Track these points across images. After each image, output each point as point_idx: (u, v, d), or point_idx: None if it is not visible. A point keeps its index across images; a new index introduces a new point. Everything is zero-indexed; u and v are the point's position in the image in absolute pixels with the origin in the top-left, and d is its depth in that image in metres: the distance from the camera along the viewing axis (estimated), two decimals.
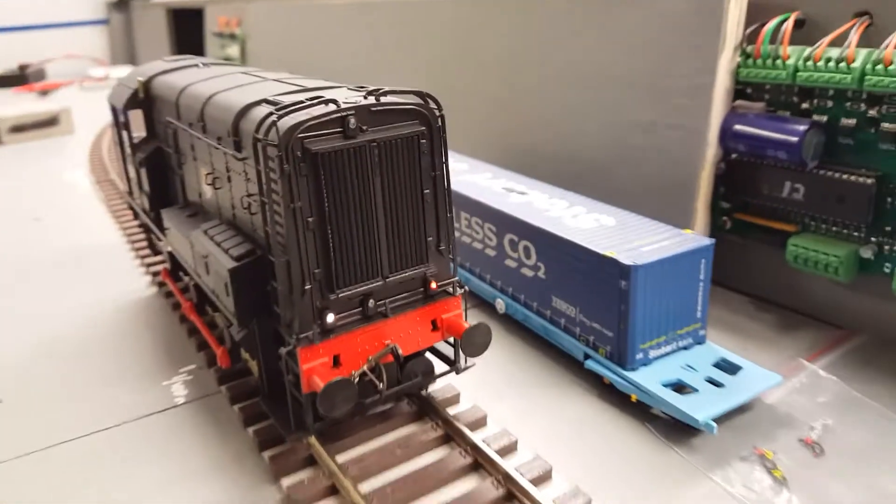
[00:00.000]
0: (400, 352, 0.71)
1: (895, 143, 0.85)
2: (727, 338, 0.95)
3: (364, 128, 0.65)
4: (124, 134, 1.10)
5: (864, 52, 0.83)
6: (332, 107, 0.63)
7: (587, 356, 0.86)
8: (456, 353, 0.77)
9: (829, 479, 0.70)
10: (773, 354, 0.91)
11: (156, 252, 1.26)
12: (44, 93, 3.61)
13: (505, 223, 0.95)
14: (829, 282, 0.95)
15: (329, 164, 0.63)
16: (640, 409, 0.81)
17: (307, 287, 0.65)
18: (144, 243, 1.37)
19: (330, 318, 0.67)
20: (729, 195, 1.02)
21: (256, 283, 0.71)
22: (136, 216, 1.29)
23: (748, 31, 0.95)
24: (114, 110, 1.14)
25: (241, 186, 0.74)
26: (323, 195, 0.63)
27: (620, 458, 0.75)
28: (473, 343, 0.72)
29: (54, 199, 1.80)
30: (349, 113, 0.64)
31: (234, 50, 2.97)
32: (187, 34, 3.62)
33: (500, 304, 1.00)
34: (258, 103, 0.71)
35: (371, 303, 0.69)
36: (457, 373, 0.77)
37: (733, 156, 0.99)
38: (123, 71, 4.13)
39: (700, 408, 0.75)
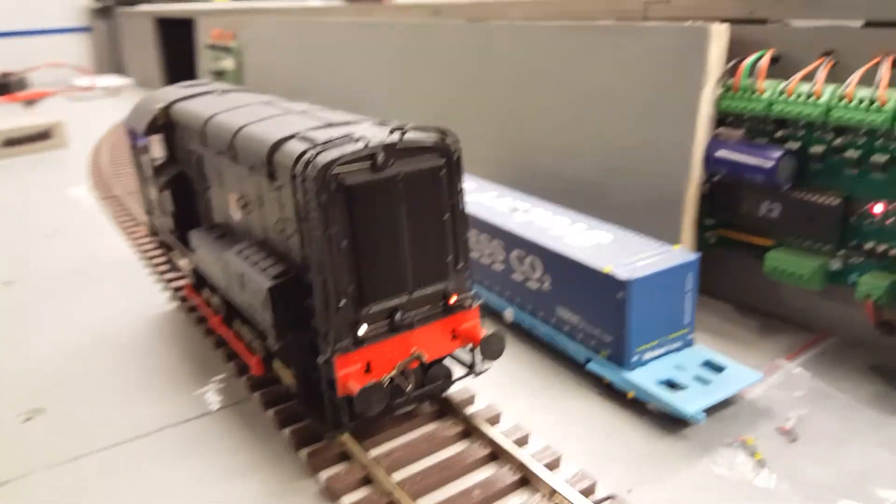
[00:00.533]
0: (424, 358, 0.80)
1: (858, 168, 0.96)
2: (714, 341, 1.05)
3: (391, 162, 0.74)
4: (144, 157, 1.17)
5: (830, 88, 0.94)
6: (362, 144, 0.73)
7: (588, 359, 0.96)
8: (473, 359, 0.86)
9: (802, 461, 0.80)
10: (754, 355, 1.02)
11: (176, 269, 1.34)
12: (28, 103, 3.58)
13: (512, 240, 1.05)
14: (803, 290, 1.06)
15: (360, 195, 0.72)
16: (636, 405, 0.91)
17: (342, 303, 0.74)
18: (160, 260, 1.45)
19: (362, 329, 0.76)
20: (713, 213, 1.13)
21: (291, 299, 0.79)
22: (154, 234, 1.37)
23: (729, 65, 1.05)
24: (132, 134, 1.21)
25: (275, 212, 0.83)
26: (355, 222, 0.73)
27: (621, 447, 0.85)
28: (490, 349, 0.82)
29: (61, 216, 1.85)
30: (377, 150, 0.73)
31: (228, 63, 3.04)
32: (177, 45, 3.65)
33: (509, 314, 1.09)
34: (291, 138, 0.80)
35: (398, 315, 0.78)
36: (475, 376, 0.87)
37: (716, 177, 1.09)
38: (110, 80, 4.16)
39: (689, 402, 0.85)
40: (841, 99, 0.92)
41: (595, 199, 1.22)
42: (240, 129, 0.89)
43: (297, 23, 2.42)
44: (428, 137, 0.77)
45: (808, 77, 0.97)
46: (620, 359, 0.92)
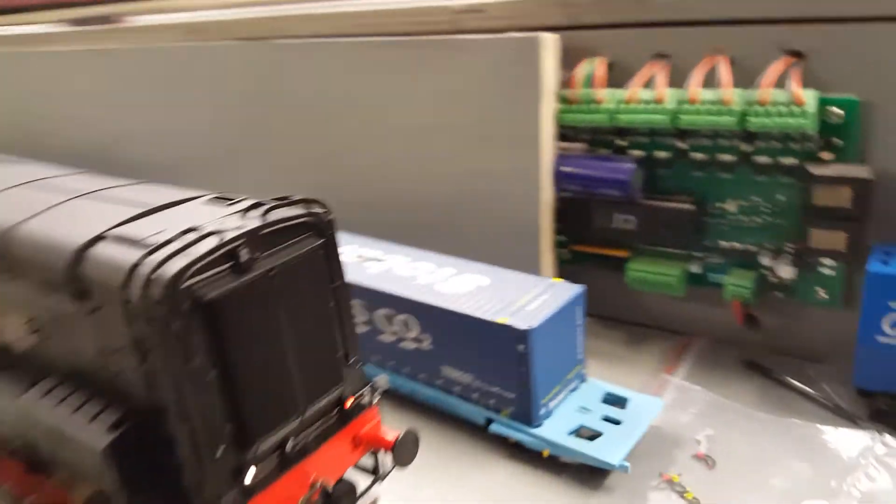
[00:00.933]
0: (329, 487, 0.64)
1: (704, 170, 0.96)
2: (590, 362, 1.00)
3: (257, 256, 0.57)
4: None
5: (672, 92, 0.92)
6: (215, 239, 0.54)
7: (490, 420, 0.86)
8: (376, 462, 0.71)
9: (729, 490, 0.77)
10: (634, 371, 0.99)
11: None
12: None
13: (376, 298, 0.91)
14: (664, 296, 1.05)
15: (225, 309, 0.54)
16: (550, 462, 0.83)
17: (219, 452, 0.56)
18: None
19: (249, 476, 0.58)
20: (565, 229, 1.08)
21: (140, 452, 0.59)
22: None
23: (564, 77, 1.00)
24: None
25: (91, 340, 0.60)
26: (223, 345, 0.54)
27: None
28: (406, 452, 0.68)
29: None
30: (238, 243, 0.55)
31: None
32: None
33: (383, 381, 0.95)
34: (101, 238, 0.59)
35: (290, 444, 0.61)
36: (381, 481, 0.72)
37: (564, 193, 1.04)
38: None
39: (610, 451, 0.78)
40: (685, 103, 0.91)
41: (449, 232, 1.11)
42: (9, 229, 0.64)
43: (18, 54, 2.00)
44: (295, 212, 0.60)
45: (646, 83, 0.95)
46: (527, 415, 0.82)
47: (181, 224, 0.56)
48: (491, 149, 1.06)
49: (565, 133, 1.03)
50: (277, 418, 0.59)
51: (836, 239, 0.85)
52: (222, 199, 0.62)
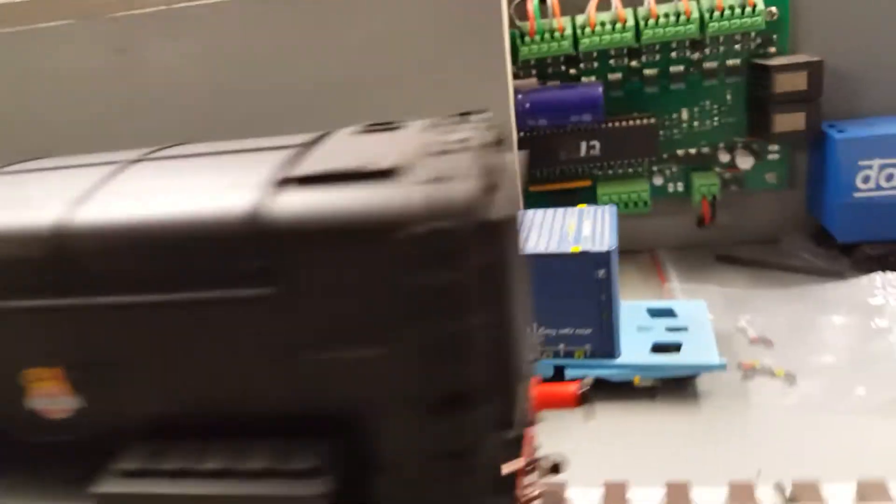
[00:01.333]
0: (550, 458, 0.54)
1: (657, 84, 0.99)
2: None
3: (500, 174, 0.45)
4: None
5: (629, 11, 0.93)
6: (467, 157, 0.41)
7: (559, 368, 0.79)
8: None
9: (799, 358, 0.81)
10: (634, 292, 0.99)
11: None
12: None
13: None
14: (621, 216, 1.06)
15: (508, 235, 0.42)
16: (632, 393, 0.79)
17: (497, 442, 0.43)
18: None
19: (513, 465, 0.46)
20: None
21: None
22: None
23: (511, 10, 0.96)
24: None
25: (260, 342, 0.41)
26: (505, 285, 0.42)
27: (673, 446, 0.72)
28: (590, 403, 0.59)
29: None
30: (487, 161, 0.43)
31: None
32: None
33: None
34: (283, 185, 0.40)
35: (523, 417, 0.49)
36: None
37: (527, 133, 1.00)
38: None
39: (705, 353, 0.77)
40: (647, 19, 0.92)
41: None
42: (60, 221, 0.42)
43: None
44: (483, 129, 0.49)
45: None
46: (609, 347, 0.78)
47: (387, 150, 0.41)
48: (449, 96, 0.97)
49: (514, 71, 0.99)
50: (520, 383, 0.47)
51: (796, 120, 0.94)
52: (376, 126, 0.48)
